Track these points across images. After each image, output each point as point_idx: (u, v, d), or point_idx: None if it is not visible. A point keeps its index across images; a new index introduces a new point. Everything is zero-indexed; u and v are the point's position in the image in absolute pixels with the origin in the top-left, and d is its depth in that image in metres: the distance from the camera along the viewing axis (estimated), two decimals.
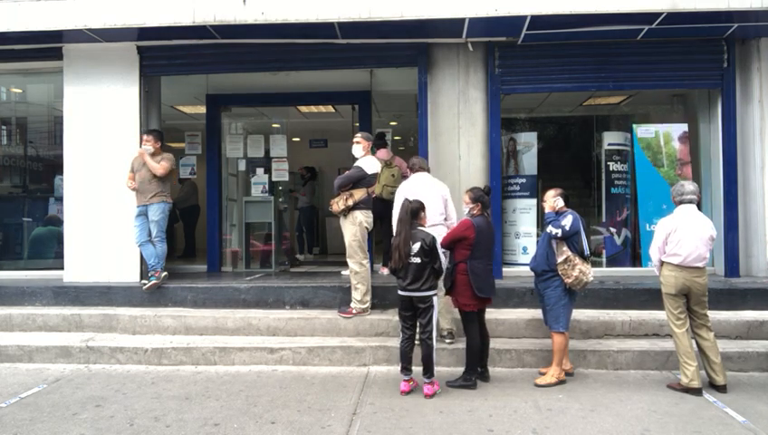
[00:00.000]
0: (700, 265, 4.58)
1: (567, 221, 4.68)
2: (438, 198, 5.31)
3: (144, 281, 6.36)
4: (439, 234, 4.79)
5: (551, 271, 4.76)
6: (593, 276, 4.83)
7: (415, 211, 4.60)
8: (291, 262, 8.47)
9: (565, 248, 4.70)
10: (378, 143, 7.08)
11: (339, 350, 5.35)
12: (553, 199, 4.86)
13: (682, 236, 4.54)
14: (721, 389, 4.55)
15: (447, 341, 5.31)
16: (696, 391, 4.52)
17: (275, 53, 6.71)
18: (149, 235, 6.35)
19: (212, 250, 7.91)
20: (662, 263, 4.70)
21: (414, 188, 5.28)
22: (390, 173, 6.84)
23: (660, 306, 4.88)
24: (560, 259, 4.70)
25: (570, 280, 4.67)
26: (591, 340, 5.51)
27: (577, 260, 4.69)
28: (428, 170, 5.66)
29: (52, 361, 5.46)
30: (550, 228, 4.73)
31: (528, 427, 3.93)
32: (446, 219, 5.32)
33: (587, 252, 4.82)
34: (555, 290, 4.76)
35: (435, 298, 4.56)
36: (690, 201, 4.65)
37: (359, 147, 5.83)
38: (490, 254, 4.78)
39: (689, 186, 4.71)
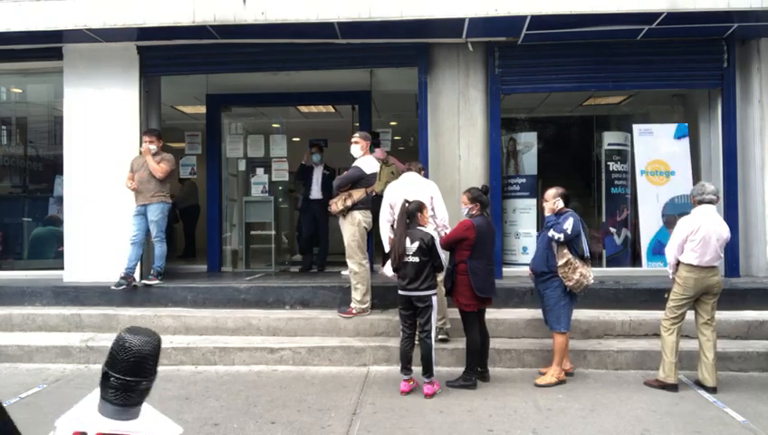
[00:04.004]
0: (716, 264, 4.61)
1: (568, 224, 4.63)
2: (425, 197, 5.29)
3: (144, 281, 6.37)
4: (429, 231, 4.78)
5: (550, 272, 4.74)
6: (593, 278, 4.81)
7: (411, 213, 4.61)
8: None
9: (566, 251, 4.67)
10: (373, 142, 7.07)
11: (339, 350, 5.35)
12: (553, 201, 4.81)
13: (703, 236, 4.51)
14: (710, 390, 4.55)
15: (440, 336, 5.29)
16: (672, 387, 4.57)
17: (275, 53, 6.70)
18: (146, 235, 6.34)
19: (212, 250, 7.90)
20: (678, 263, 4.68)
21: (401, 187, 5.29)
22: (390, 171, 6.84)
23: (660, 306, 4.87)
24: (560, 262, 4.66)
25: (571, 283, 4.64)
26: (591, 340, 5.51)
27: (578, 263, 4.66)
28: (419, 171, 5.61)
29: (53, 361, 5.46)
30: (552, 233, 4.68)
31: (528, 427, 3.93)
32: (434, 217, 5.29)
33: (587, 254, 4.79)
34: (555, 291, 4.74)
35: (434, 298, 4.56)
36: (710, 201, 4.64)
37: (357, 147, 5.82)
38: (490, 254, 4.77)
39: (710, 186, 4.71)
